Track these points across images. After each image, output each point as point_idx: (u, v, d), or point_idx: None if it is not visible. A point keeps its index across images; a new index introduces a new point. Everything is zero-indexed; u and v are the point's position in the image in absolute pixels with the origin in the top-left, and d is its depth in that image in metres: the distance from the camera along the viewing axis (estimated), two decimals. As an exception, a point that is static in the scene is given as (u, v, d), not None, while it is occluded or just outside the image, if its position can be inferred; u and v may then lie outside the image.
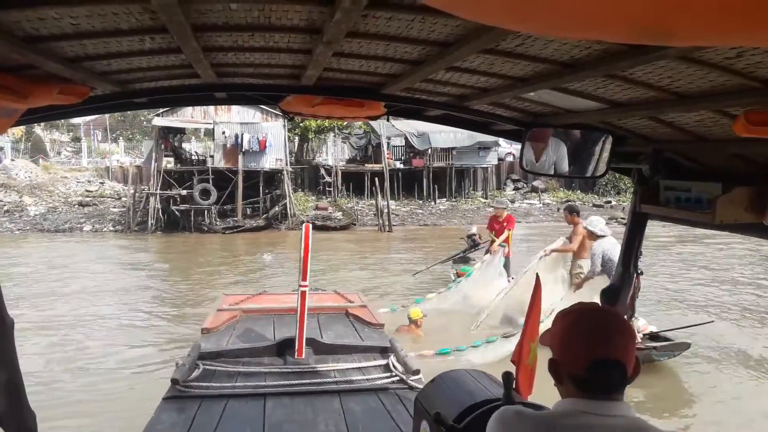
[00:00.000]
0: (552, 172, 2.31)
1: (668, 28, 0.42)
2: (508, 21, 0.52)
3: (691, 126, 1.75)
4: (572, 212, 9.36)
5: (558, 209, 29.95)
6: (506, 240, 10.91)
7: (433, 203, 30.50)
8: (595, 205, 30.66)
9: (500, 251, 10.55)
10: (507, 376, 1.91)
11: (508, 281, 9.80)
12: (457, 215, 29.17)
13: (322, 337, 5.00)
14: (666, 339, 7.94)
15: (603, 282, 7.72)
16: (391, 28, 1.42)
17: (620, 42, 0.79)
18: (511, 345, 7.12)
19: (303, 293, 4.63)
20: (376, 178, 27.56)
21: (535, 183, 33.15)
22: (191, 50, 1.58)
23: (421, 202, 30.61)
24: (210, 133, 28.33)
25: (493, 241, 11.02)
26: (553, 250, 9.02)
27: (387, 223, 25.88)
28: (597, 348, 1.28)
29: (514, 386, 2.21)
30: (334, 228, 25.71)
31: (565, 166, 2.20)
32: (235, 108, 26.09)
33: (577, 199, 31.86)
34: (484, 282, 10.15)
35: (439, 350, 7.74)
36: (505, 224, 11.11)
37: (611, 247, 7.76)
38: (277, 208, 26.83)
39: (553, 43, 1.33)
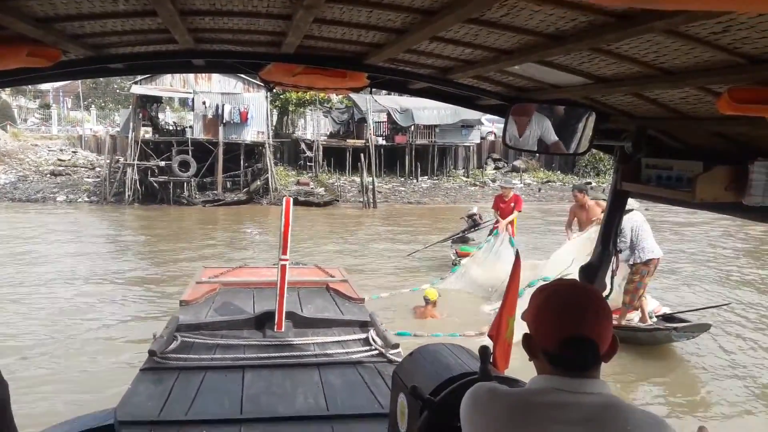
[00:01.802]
0: (535, 148, 2.30)
1: None
2: None
3: (674, 103, 1.75)
4: (581, 191, 9.26)
5: (539, 189, 30.19)
6: (511, 221, 10.87)
7: (415, 181, 30.48)
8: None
9: (506, 237, 10.52)
10: (484, 350, 1.91)
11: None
12: (439, 193, 29.24)
13: (302, 311, 5.00)
14: (682, 320, 7.89)
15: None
16: None
17: (611, 5, 0.79)
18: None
19: (283, 267, 4.62)
20: (362, 154, 27.41)
21: (516, 163, 33.27)
22: (167, 13, 1.53)
23: (403, 179, 30.56)
24: (185, 103, 27.87)
25: (498, 221, 10.94)
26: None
27: (372, 200, 25.82)
28: (569, 325, 1.27)
29: (491, 360, 2.22)
30: (317, 204, 25.63)
31: (548, 143, 2.20)
32: (215, 77, 25.67)
33: (557, 180, 32.13)
34: (492, 262, 10.04)
35: (398, 332, 7.76)
36: (512, 205, 10.98)
37: (640, 223, 7.66)
38: (258, 182, 26.61)
39: (539, 14, 1.31)
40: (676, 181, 1.92)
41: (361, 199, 26.45)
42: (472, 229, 13.00)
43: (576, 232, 9.01)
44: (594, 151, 2.43)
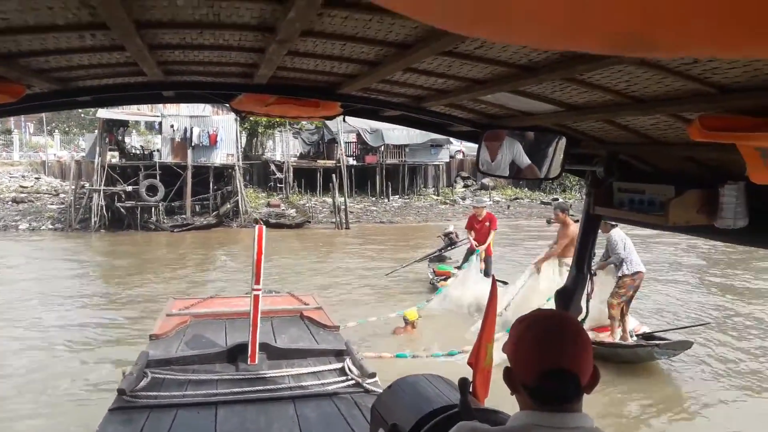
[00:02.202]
0: (507, 173, 2.30)
1: (653, 40, 0.40)
2: (482, 30, 0.49)
3: (645, 129, 1.77)
4: (564, 210, 9.31)
5: (508, 206, 30.54)
6: (483, 240, 10.86)
7: (386, 200, 30.57)
8: (543, 203, 31.39)
9: (476, 257, 10.48)
10: (463, 382, 1.89)
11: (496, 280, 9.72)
12: (411, 212, 29.35)
13: (275, 342, 4.91)
14: (661, 339, 7.98)
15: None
16: (348, 28, 1.38)
17: (598, 53, 0.79)
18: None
19: (256, 297, 4.53)
20: (333, 175, 27.37)
21: (484, 181, 33.66)
22: (135, 48, 1.50)
23: (374, 198, 30.62)
24: (151, 126, 27.50)
25: (477, 240, 10.89)
26: (541, 260, 9.00)
27: (345, 220, 25.75)
28: (548, 357, 1.25)
29: (471, 390, 2.18)
30: (288, 226, 25.43)
31: (520, 167, 2.21)
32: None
33: (525, 197, 32.59)
34: (474, 282, 10.02)
35: (397, 354, 7.71)
36: (487, 224, 10.98)
37: (626, 237, 7.87)
38: (228, 205, 26.32)
39: (513, 46, 1.32)
40: (648, 205, 1.93)
41: (334, 220, 26.35)
42: (449, 248, 13.05)
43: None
44: (562, 171, 2.46)
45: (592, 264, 2.45)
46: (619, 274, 7.80)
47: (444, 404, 1.97)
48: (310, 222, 26.67)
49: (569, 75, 1.42)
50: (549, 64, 1.39)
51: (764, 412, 6.59)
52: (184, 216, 25.68)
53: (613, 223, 7.50)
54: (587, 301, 2.45)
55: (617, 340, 7.72)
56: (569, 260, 8.42)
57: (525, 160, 2.19)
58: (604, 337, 7.80)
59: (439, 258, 13.20)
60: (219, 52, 1.67)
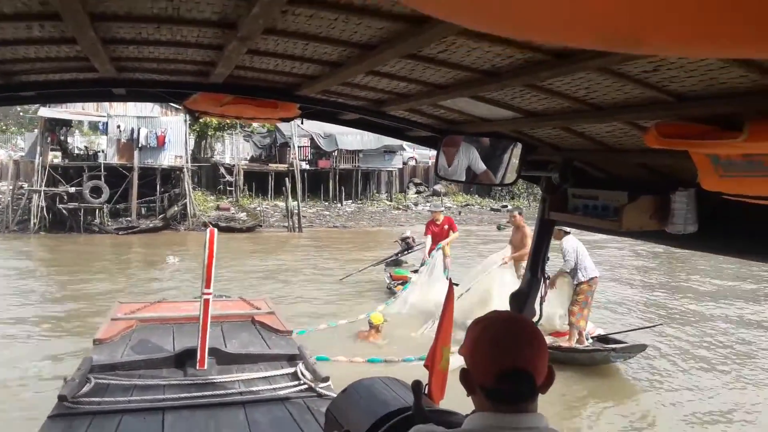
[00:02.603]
0: (464, 178, 2.33)
1: (639, 36, 0.41)
2: (474, 20, 0.49)
3: (601, 136, 1.80)
4: (521, 213, 9.41)
5: (459, 213, 30.96)
6: (448, 243, 10.88)
7: (339, 205, 30.48)
8: (492, 209, 32.01)
9: (438, 255, 10.48)
10: (417, 384, 1.88)
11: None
12: (364, 217, 29.38)
13: (225, 347, 4.83)
14: (616, 341, 8.13)
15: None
16: (312, 27, 1.35)
17: (583, 47, 0.80)
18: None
19: (206, 301, 4.44)
20: (286, 178, 27.11)
21: (436, 187, 34.06)
22: (88, 41, 1.42)
23: (327, 203, 30.49)
24: (96, 126, 26.59)
25: (430, 249, 10.86)
26: (511, 257, 9.06)
27: (298, 224, 25.51)
28: (505, 358, 1.26)
29: (426, 392, 2.19)
30: (239, 230, 25.01)
31: (476, 173, 2.24)
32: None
33: (476, 203, 33.14)
34: (432, 284, 9.98)
35: (369, 358, 7.70)
36: (446, 227, 11.09)
37: (579, 243, 8.01)
38: (176, 208, 25.66)
39: (477, 51, 1.31)
40: (602, 211, 1.96)
41: (286, 224, 26.10)
42: (406, 252, 13.12)
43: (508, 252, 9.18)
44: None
45: (546, 269, 2.50)
46: (576, 282, 7.93)
47: (399, 407, 1.96)
48: (261, 226, 26.31)
49: (532, 81, 1.42)
50: (512, 69, 1.39)
51: (716, 408, 6.91)
52: (129, 218, 24.90)
53: (567, 230, 7.83)
54: (541, 303, 2.49)
55: (574, 344, 7.87)
56: (522, 264, 8.67)
57: (481, 166, 2.21)
58: (562, 341, 7.95)
59: (395, 262, 13.27)
60: (176, 48, 1.61)
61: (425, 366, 2.48)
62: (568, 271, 8.02)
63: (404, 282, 11.14)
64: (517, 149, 2.10)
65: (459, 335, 6.59)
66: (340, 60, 1.61)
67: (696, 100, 1.23)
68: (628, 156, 1.85)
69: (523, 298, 2.49)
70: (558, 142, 2.05)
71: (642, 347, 7.96)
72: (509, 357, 1.25)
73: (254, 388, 4.17)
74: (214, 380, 4.29)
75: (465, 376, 1.32)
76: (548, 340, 7.44)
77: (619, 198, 1.86)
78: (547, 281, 2.54)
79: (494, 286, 8.67)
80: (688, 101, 1.25)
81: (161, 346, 4.94)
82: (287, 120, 2.38)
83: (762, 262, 1.79)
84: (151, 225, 24.84)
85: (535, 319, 2.47)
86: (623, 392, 7.54)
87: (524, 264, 8.59)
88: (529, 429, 1.24)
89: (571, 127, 1.77)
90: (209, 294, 4.49)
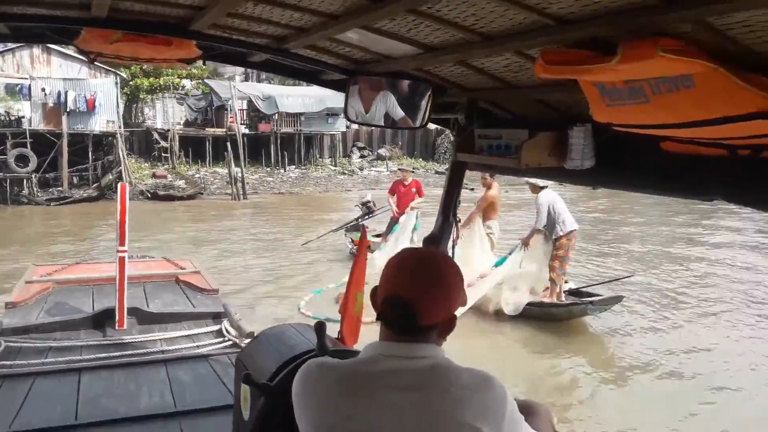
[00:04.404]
0: (375, 122, 2.39)
1: None
2: None
3: (500, 72, 1.84)
4: (493, 176, 9.49)
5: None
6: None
7: (282, 170, 30.65)
8: (437, 172, 32.96)
9: (414, 213, 10.72)
10: (319, 325, 1.91)
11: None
12: (309, 182, 29.79)
13: (147, 307, 4.92)
14: (589, 294, 8.44)
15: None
16: None
17: None
18: None
19: (122, 259, 4.53)
20: (228, 143, 26.81)
21: (380, 151, 34.77)
22: None
23: (269, 169, 30.61)
24: (13, 91, 25.23)
25: (400, 207, 11.03)
26: (469, 218, 9.13)
27: (242, 191, 25.50)
28: (391, 285, 1.30)
29: (339, 337, 2.38)
30: (180, 197, 24.94)
31: (393, 117, 2.32)
32: (56, 61, 23.93)
33: (420, 166, 34.00)
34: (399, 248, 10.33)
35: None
36: (413, 190, 11.22)
37: (555, 198, 8.20)
38: (110, 176, 25.24)
39: None
40: (505, 149, 2.04)
41: (228, 191, 26.09)
42: (366, 217, 13.39)
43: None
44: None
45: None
46: (554, 236, 8.16)
47: (306, 350, 1.97)
48: (202, 194, 26.35)
49: (414, 6, 1.46)
50: None
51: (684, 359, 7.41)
52: (60, 188, 24.33)
53: (543, 185, 8.21)
54: (453, 247, 2.64)
55: (554, 300, 8.21)
56: (492, 223, 9.34)
57: (399, 112, 2.32)
58: (543, 298, 8.32)
59: (356, 227, 13.36)
60: None
61: (339, 312, 2.59)
62: (541, 228, 8.24)
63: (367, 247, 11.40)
64: (428, 92, 2.20)
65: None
66: None
67: (575, 23, 1.27)
68: (526, 92, 1.93)
69: (435, 242, 2.57)
70: (463, 81, 2.10)
71: (618, 298, 8.38)
72: (395, 284, 1.29)
73: (176, 347, 4.26)
74: (135, 340, 4.35)
75: (373, 305, 1.38)
76: (533, 298, 8.26)
77: (520, 136, 1.96)
78: (459, 224, 2.67)
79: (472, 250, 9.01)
80: (569, 24, 1.29)
81: (79, 307, 4.93)
82: (190, 62, 2.37)
83: (654, 194, 1.91)
84: (85, 195, 24.42)
85: None
86: (599, 345, 7.97)
87: (489, 223, 9.41)
88: (420, 358, 1.26)
89: (470, 62, 1.83)
90: (124, 252, 4.58)
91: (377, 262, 10.63)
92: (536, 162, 1.87)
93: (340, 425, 1.25)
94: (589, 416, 5.99)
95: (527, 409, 1.43)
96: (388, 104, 2.28)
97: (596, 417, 5.97)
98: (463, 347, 7.45)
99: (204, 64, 2.56)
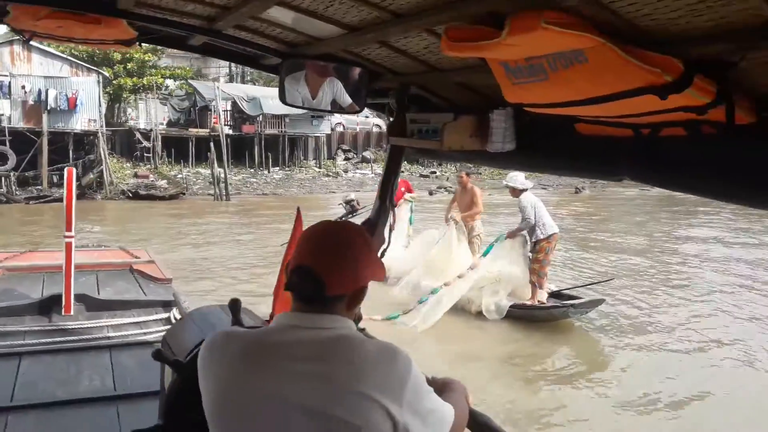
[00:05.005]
0: (311, 105, 2.42)
1: None
2: None
3: (423, 55, 1.87)
4: (468, 174, 9.75)
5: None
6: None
7: (266, 172, 30.78)
8: (421, 176, 33.34)
9: (408, 206, 10.80)
10: (233, 302, 1.93)
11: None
12: (293, 184, 29.98)
13: (98, 294, 4.97)
14: (570, 297, 8.51)
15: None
16: None
17: None
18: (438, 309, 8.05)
19: (69, 245, 4.59)
20: (211, 144, 26.89)
21: (365, 154, 35.06)
22: None
23: (252, 170, 30.78)
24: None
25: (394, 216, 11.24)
26: (463, 217, 9.42)
27: (225, 192, 25.60)
28: (301, 255, 1.30)
29: (270, 316, 2.34)
30: (161, 197, 25.01)
31: (327, 101, 2.36)
32: (36, 59, 24.08)
33: (404, 170, 34.25)
34: (392, 248, 10.44)
35: (387, 315, 8.01)
36: (402, 189, 11.07)
37: (536, 200, 8.38)
38: (91, 176, 25.29)
39: None
40: (432, 133, 2.08)
41: (210, 192, 26.21)
42: (351, 215, 13.62)
43: (456, 213, 9.67)
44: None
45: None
46: (534, 240, 8.24)
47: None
48: (184, 194, 26.47)
49: None
50: None
51: (663, 360, 7.50)
52: (40, 187, 24.32)
53: (523, 188, 8.41)
54: (390, 231, 2.64)
55: (536, 303, 8.33)
56: (476, 224, 9.57)
57: (347, 99, 2.36)
58: (526, 300, 8.45)
59: None
60: None
61: (273, 293, 2.60)
62: (532, 224, 8.24)
63: None
64: (366, 78, 2.25)
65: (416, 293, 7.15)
66: None
67: None
68: (449, 75, 1.95)
69: (371, 226, 2.57)
70: (393, 66, 2.14)
71: (600, 301, 8.43)
72: (302, 255, 1.30)
73: (122, 333, 4.31)
74: (80, 326, 4.37)
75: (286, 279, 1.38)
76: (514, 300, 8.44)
77: (446, 120, 2.00)
78: (395, 210, 2.73)
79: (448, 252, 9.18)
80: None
81: (27, 294, 4.95)
82: (126, 43, 2.34)
83: (569, 176, 2.15)
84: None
85: (384, 247, 2.61)
86: (579, 345, 8.07)
87: (475, 224, 9.66)
88: (326, 329, 1.27)
89: (391, 43, 1.86)
90: (71, 237, 4.64)
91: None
92: (459, 145, 1.91)
93: (239, 394, 1.25)
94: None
95: (443, 385, 1.50)
96: (336, 90, 2.34)
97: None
98: (443, 350, 7.67)
99: (140, 45, 2.47)
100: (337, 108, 2.47)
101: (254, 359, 1.26)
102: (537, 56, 1.17)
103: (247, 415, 1.24)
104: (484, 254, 8.59)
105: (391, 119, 2.34)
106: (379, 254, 2.53)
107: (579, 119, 1.47)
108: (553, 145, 1.72)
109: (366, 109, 2.59)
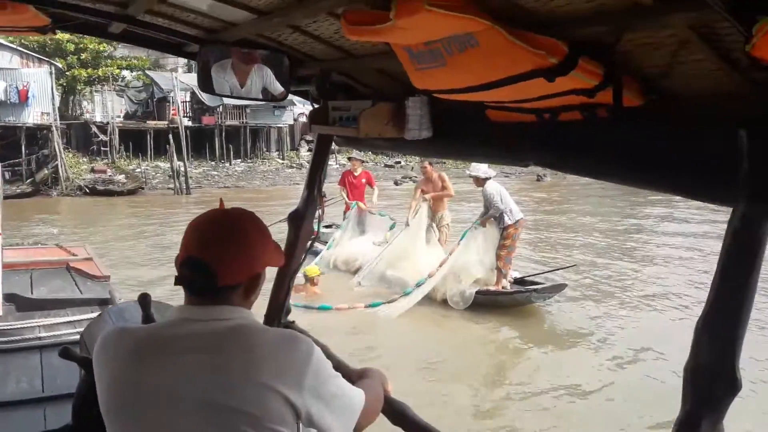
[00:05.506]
0: (239, 94, 2.39)
1: None
2: None
3: (336, 40, 1.86)
4: (431, 164, 9.85)
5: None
6: (360, 199, 11.06)
7: (228, 164, 30.55)
8: (386, 165, 33.47)
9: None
10: (143, 297, 1.88)
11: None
12: (256, 177, 29.81)
13: (32, 293, 4.88)
14: (533, 283, 8.72)
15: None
16: None
17: None
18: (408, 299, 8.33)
19: None
20: (170, 136, 26.48)
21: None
22: None
23: (213, 163, 30.54)
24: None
25: (348, 206, 11.04)
26: (432, 197, 9.51)
27: (185, 185, 25.29)
28: (189, 246, 1.26)
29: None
30: (120, 192, 24.66)
31: (258, 89, 2.33)
32: (-17, 51, 22.99)
33: (369, 160, 34.29)
34: (349, 239, 10.63)
35: (371, 303, 8.23)
36: (363, 180, 11.16)
37: (500, 188, 8.54)
38: (46, 171, 24.76)
39: None
40: (351, 121, 2.06)
41: (170, 186, 25.88)
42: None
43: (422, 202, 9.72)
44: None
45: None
46: (502, 226, 8.39)
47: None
48: (143, 188, 26.17)
49: None
50: None
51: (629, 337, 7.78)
52: (-11, 184, 23.38)
53: (486, 176, 8.52)
54: (318, 222, 2.63)
55: (501, 288, 8.50)
56: (444, 213, 9.73)
57: (278, 87, 2.32)
58: (490, 286, 8.54)
59: None
60: None
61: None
62: (497, 216, 8.43)
63: (316, 237, 11.52)
64: (287, 64, 2.22)
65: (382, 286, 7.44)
66: None
67: None
68: (366, 61, 1.95)
69: (300, 216, 2.57)
70: (312, 52, 2.14)
71: (562, 287, 8.68)
72: (190, 246, 1.26)
73: (55, 333, 4.20)
74: (9, 327, 4.25)
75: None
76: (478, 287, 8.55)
77: (364, 107, 1.99)
78: (324, 199, 2.71)
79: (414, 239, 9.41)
80: None
81: None
82: (41, 30, 2.26)
83: (482, 162, 2.20)
84: (18, 191, 23.82)
85: (314, 236, 2.65)
86: (543, 329, 8.27)
87: (444, 214, 9.77)
88: (222, 320, 1.24)
89: (302, 27, 1.86)
90: None
91: (336, 253, 10.50)
92: (376, 132, 1.90)
93: (132, 391, 1.23)
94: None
95: (360, 373, 1.53)
96: (264, 77, 2.30)
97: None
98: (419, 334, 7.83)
99: (55, 33, 2.33)
100: (268, 96, 2.42)
101: (147, 355, 1.24)
102: (434, 40, 1.17)
103: (141, 412, 1.22)
104: (461, 239, 8.74)
105: (316, 106, 2.33)
106: (307, 245, 2.61)
107: (488, 106, 1.48)
108: (467, 132, 1.73)
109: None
